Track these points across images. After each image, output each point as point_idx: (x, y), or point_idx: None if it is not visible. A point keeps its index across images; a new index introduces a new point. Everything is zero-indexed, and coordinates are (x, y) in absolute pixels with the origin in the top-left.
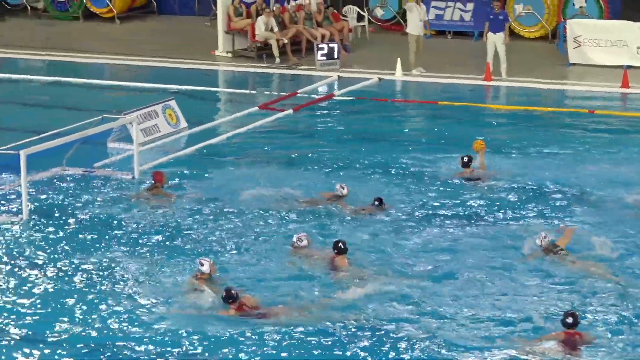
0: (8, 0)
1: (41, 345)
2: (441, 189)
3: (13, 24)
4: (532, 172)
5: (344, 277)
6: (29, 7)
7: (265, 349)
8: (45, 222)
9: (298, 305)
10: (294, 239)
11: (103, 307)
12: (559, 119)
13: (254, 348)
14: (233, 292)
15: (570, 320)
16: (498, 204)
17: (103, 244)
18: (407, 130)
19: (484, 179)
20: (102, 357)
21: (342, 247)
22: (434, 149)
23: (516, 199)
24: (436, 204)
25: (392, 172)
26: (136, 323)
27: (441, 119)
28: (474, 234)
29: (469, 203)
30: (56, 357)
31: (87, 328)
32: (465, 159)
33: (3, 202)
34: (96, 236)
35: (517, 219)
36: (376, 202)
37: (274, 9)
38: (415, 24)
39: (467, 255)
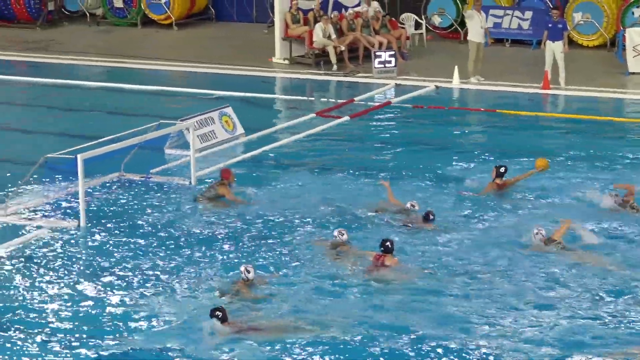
0: (67, 6)
1: (91, 349)
2: (495, 199)
3: (72, 30)
4: (586, 181)
5: (388, 276)
6: (87, 14)
7: None
8: (101, 227)
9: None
10: (335, 233)
11: (152, 313)
12: (617, 128)
13: None
14: (218, 312)
15: None
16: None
17: (158, 250)
18: (464, 138)
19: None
20: None
21: (390, 246)
22: (490, 158)
23: (559, 210)
24: (488, 215)
25: (448, 180)
26: (185, 332)
27: (499, 128)
28: (516, 245)
29: (521, 215)
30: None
31: (136, 333)
32: (502, 169)
33: (60, 206)
34: (152, 242)
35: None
36: (427, 217)
37: (332, 16)
38: (476, 31)
39: (511, 267)
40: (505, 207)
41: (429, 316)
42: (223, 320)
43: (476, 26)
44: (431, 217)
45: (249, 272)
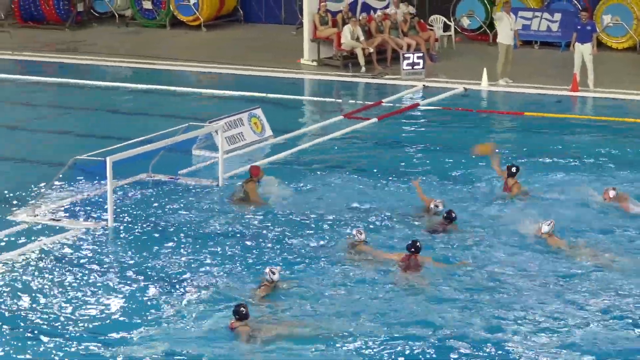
0: (96, 8)
1: (118, 352)
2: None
3: (101, 31)
4: (615, 183)
5: (418, 276)
6: (116, 15)
7: None
8: (129, 228)
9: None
10: (354, 232)
11: (177, 313)
12: None
13: None
14: (242, 309)
15: None
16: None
17: (185, 252)
18: (491, 141)
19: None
20: None
21: (420, 246)
22: (518, 161)
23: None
24: (513, 216)
25: (474, 183)
26: (209, 334)
27: (527, 130)
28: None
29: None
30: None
31: (162, 334)
32: (513, 169)
33: (89, 208)
34: (179, 243)
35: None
36: (447, 216)
37: (360, 18)
38: (505, 34)
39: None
40: (532, 208)
41: (454, 316)
42: (245, 317)
43: (505, 28)
44: (453, 214)
45: (273, 273)
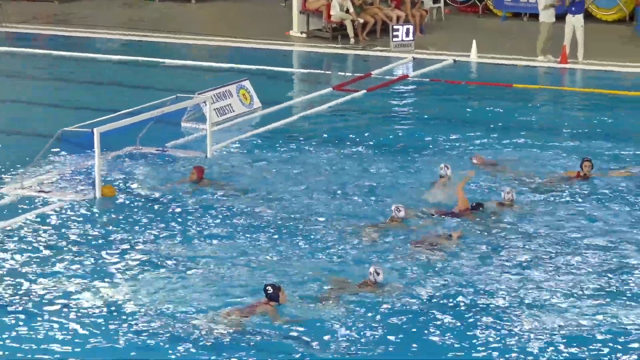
0: None
1: (102, 326)
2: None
3: (92, 4)
4: (602, 155)
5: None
6: None
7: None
8: (116, 201)
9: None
10: (393, 209)
11: (166, 289)
12: (635, 103)
13: None
14: (267, 288)
15: None
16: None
17: (172, 224)
18: (480, 113)
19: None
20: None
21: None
22: (506, 133)
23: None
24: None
25: (463, 154)
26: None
27: (515, 102)
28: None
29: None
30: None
31: (150, 310)
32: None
33: (76, 179)
34: (166, 216)
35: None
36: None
37: None
38: (550, 11)
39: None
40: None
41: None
42: (273, 298)
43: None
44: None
45: (378, 274)
